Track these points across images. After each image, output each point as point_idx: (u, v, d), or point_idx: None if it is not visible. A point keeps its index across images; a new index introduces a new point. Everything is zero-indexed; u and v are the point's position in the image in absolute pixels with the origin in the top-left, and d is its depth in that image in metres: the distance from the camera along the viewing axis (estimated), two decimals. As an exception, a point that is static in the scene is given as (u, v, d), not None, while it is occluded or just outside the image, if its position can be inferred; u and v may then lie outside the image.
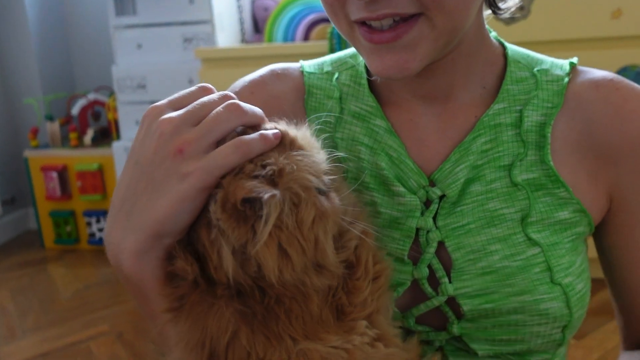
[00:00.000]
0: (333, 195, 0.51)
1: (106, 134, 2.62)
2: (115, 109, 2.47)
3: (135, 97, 2.32)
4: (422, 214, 0.63)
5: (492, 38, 0.67)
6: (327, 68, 0.71)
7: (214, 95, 0.51)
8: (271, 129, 0.51)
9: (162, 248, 0.50)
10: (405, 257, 0.62)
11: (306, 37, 2.07)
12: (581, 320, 0.64)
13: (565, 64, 0.66)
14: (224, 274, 0.47)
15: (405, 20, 0.54)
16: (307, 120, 0.63)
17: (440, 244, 0.63)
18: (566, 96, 0.64)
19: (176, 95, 0.52)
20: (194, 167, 0.47)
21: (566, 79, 0.64)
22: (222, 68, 1.97)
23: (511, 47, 0.68)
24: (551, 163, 0.63)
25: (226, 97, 0.51)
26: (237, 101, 0.51)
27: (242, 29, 2.44)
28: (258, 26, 2.57)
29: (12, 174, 2.91)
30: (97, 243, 2.57)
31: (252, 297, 0.48)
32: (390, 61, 0.56)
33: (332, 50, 1.84)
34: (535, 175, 0.63)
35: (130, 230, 0.50)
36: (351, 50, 0.70)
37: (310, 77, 0.70)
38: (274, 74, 0.71)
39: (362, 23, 0.56)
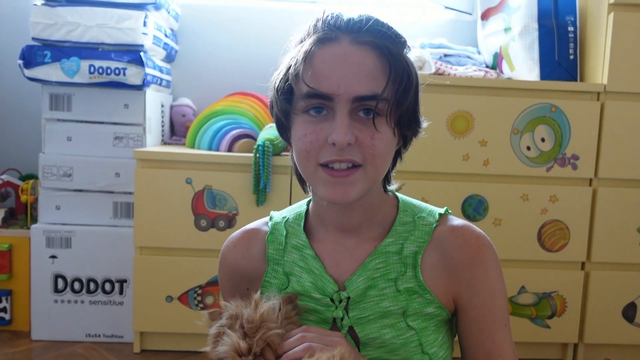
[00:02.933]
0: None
1: (13, 215, 2.69)
2: (28, 192, 2.59)
3: (59, 185, 2.48)
4: (337, 308, 0.89)
5: (389, 192, 0.94)
6: (286, 215, 1.00)
7: None
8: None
9: None
10: None
11: (229, 148, 2.45)
12: None
13: (437, 213, 0.92)
14: None
15: (352, 167, 0.81)
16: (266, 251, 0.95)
17: (351, 327, 0.89)
18: (433, 236, 0.90)
19: None
20: None
21: (434, 225, 0.90)
22: (156, 168, 2.27)
23: (402, 198, 0.95)
24: (421, 278, 0.88)
25: None
26: None
27: (162, 131, 2.77)
28: (173, 129, 2.91)
29: None
30: (-3, 323, 2.55)
31: None
32: (339, 190, 0.81)
33: (256, 163, 2.26)
34: (412, 285, 0.88)
35: None
36: (298, 205, 1.01)
37: (274, 223, 0.99)
38: (246, 234, 1.01)
39: (326, 166, 0.81)
